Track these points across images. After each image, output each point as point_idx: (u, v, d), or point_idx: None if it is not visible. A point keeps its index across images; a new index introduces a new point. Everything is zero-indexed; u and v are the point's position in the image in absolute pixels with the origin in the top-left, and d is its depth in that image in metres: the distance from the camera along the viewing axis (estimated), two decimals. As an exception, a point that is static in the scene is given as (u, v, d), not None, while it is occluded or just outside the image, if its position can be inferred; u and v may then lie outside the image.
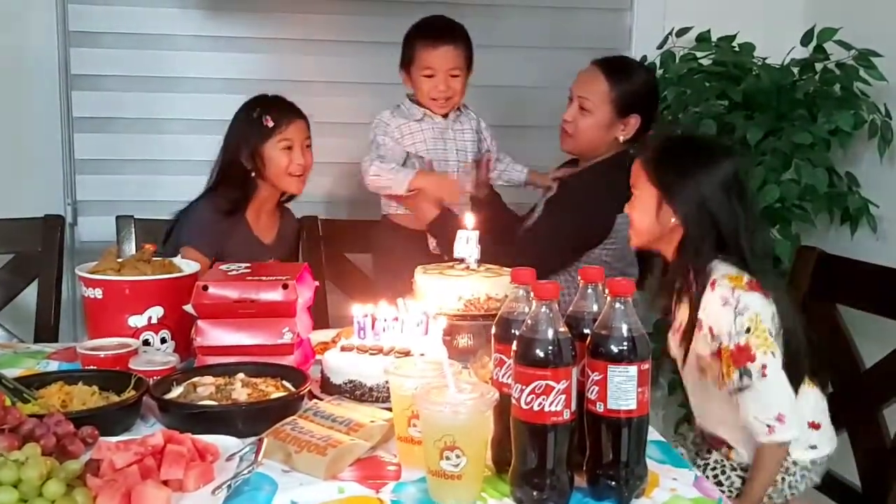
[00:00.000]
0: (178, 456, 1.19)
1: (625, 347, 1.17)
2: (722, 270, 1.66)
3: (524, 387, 1.15)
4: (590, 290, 1.27)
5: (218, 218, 2.23)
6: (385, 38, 2.67)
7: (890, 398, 1.89)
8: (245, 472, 1.20)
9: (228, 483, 1.17)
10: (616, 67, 2.24)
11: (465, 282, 1.71)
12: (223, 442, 1.30)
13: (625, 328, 1.17)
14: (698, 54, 2.73)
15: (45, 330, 2.46)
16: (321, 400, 1.49)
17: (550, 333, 1.15)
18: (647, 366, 1.18)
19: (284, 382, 1.53)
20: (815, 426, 1.72)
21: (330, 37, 2.86)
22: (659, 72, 2.79)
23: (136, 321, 1.75)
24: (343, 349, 1.60)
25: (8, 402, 1.34)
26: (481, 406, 1.18)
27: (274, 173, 2.27)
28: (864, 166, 2.62)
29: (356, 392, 1.52)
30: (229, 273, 1.71)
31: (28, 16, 2.67)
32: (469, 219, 1.85)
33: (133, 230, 2.55)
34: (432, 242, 2.32)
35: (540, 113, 2.98)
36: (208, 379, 1.51)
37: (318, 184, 2.89)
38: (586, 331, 1.21)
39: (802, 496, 1.73)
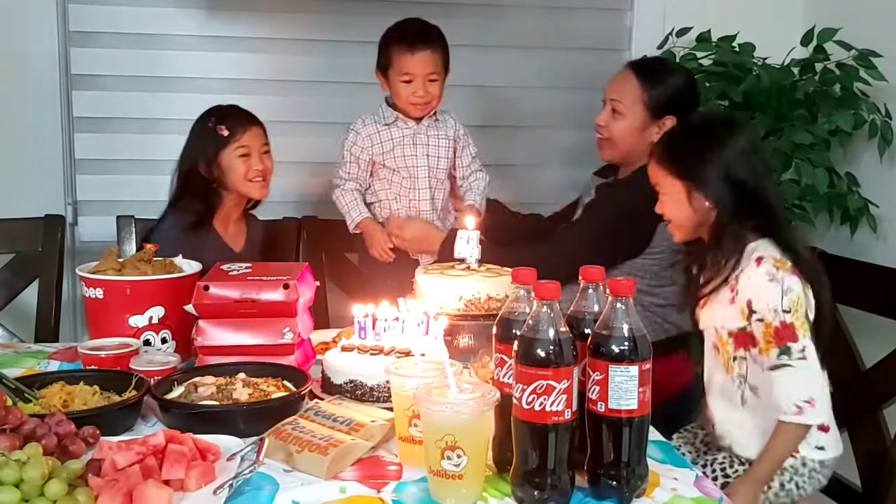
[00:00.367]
0: (180, 456, 1.19)
1: (626, 347, 1.17)
2: (769, 250, 1.66)
3: (525, 387, 1.15)
4: (590, 290, 1.27)
5: (186, 233, 2.23)
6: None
7: (890, 398, 1.89)
8: (246, 471, 1.20)
9: (230, 483, 1.17)
10: (649, 69, 2.21)
11: (466, 281, 1.71)
12: (224, 442, 1.30)
13: (626, 328, 1.17)
14: (698, 54, 2.73)
15: (46, 330, 2.46)
16: (322, 400, 1.49)
17: (551, 333, 1.15)
18: (647, 366, 1.18)
19: (285, 382, 1.53)
20: (824, 428, 1.72)
21: (329, 37, 2.85)
22: (659, 72, 2.79)
23: (136, 321, 1.75)
24: (344, 349, 1.60)
25: (9, 402, 1.34)
26: (482, 406, 1.18)
27: (233, 181, 2.28)
28: (864, 166, 2.62)
29: (357, 392, 1.52)
30: (230, 273, 1.71)
31: (28, 16, 2.67)
32: (469, 220, 1.85)
33: (133, 230, 2.55)
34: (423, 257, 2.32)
35: (539, 113, 2.99)
36: (209, 379, 1.51)
37: (318, 184, 2.90)
38: (587, 331, 1.21)
39: (808, 498, 1.73)
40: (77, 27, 2.73)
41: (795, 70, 2.62)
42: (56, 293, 2.49)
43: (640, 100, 2.16)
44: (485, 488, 1.23)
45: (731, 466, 1.73)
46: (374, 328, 1.61)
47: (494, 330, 1.27)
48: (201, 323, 1.63)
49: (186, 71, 2.80)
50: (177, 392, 1.48)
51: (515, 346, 1.17)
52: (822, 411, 1.64)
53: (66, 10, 2.71)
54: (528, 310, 1.22)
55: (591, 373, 1.19)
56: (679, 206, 1.74)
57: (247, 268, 1.75)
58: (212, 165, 2.26)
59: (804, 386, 1.62)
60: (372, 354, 1.56)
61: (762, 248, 1.67)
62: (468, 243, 1.78)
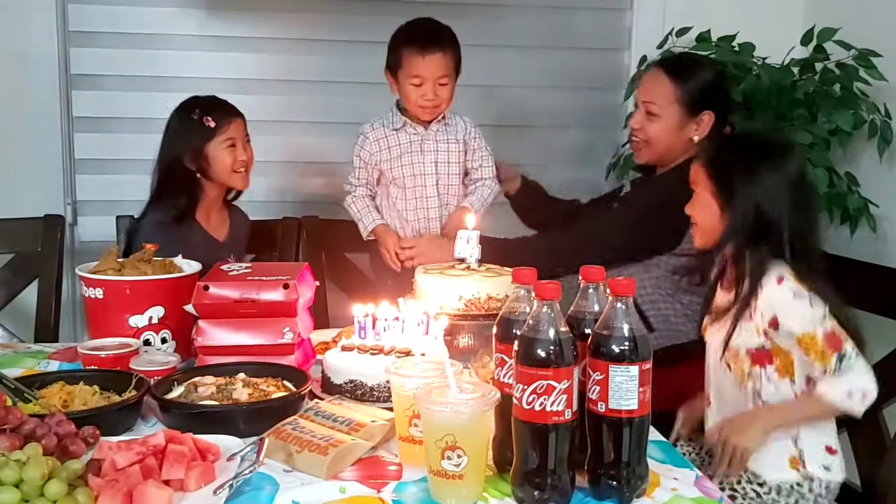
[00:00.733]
0: (180, 456, 1.19)
1: (626, 347, 1.17)
2: (786, 271, 1.65)
3: (525, 387, 1.15)
4: (591, 290, 1.27)
5: (169, 226, 2.22)
6: (386, 38, 2.67)
7: (890, 398, 1.88)
8: (246, 471, 1.20)
9: (230, 483, 1.17)
10: (679, 65, 2.17)
11: (466, 281, 1.71)
12: (224, 442, 1.30)
13: (626, 328, 1.17)
14: (698, 54, 2.73)
15: (46, 330, 2.46)
16: (322, 400, 1.49)
17: (552, 333, 1.15)
18: (648, 366, 1.18)
19: (285, 382, 1.53)
20: (831, 451, 1.72)
21: (330, 36, 2.86)
22: (659, 71, 2.80)
23: (136, 321, 1.75)
24: (344, 349, 1.60)
25: (9, 402, 1.34)
26: (482, 406, 1.18)
27: (218, 172, 2.28)
28: (863, 166, 2.62)
29: (357, 392, 1.52)
30: (230, 273, 1.71)
31: (28, 16, 2.67)
32: (469, 219, 1.85)
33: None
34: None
35: (540, 113, 2.99)
36: (209, 379, 1.51)
37: (318, 183, 2.90)
38: (588, 331, 1.21)
39: None
40: (77, 27, 2.73)
41: (795, 70, 2.62)
42: (56, 293, 2.49)
43: (674, 99, 2.11)
44: (485, 488, 1.23)
45: (739, 483, 1.73)
46: (374, 328, 1.61)
47: (494, 330, 1.27)
48: (201, 323, 1.63)
49: (186, 71, 2.80)
50: (177, 392, 1.48)
51: (516, 346, 1.17)
52: (865, 406, 1.63)
53: (65, 9, 2.71)
54: (528, 310, 1.22)
55: (591, 373, 1.19)
56: (709, 212, 1.72)
57: (246, 268, 1.75)
58: (198, 157, 2.26)
59: (864, 378, 1.61)
60: (372, 354, 1.56)
61: (780, 268, 1.65)
62: (468, 243, 1.78)
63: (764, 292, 1.65)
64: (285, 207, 2.79)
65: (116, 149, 2.80)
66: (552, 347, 1.15)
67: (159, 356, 1.66)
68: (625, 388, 1.17)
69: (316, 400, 1.49)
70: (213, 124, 2.26)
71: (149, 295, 1.76)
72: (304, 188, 2.92)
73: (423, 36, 2.22)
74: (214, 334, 1.63)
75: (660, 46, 2.80)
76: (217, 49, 2.81)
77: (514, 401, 1.17)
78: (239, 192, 2.42)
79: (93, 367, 1.62)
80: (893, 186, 2.53)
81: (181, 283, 1.78)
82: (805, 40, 2.60)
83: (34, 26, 2.67)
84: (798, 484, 1.70)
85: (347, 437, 1.31)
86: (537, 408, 1.15)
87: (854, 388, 1.62)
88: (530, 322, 1.17)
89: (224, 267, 1.76)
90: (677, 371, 1.88)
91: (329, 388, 1.56)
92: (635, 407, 1.17)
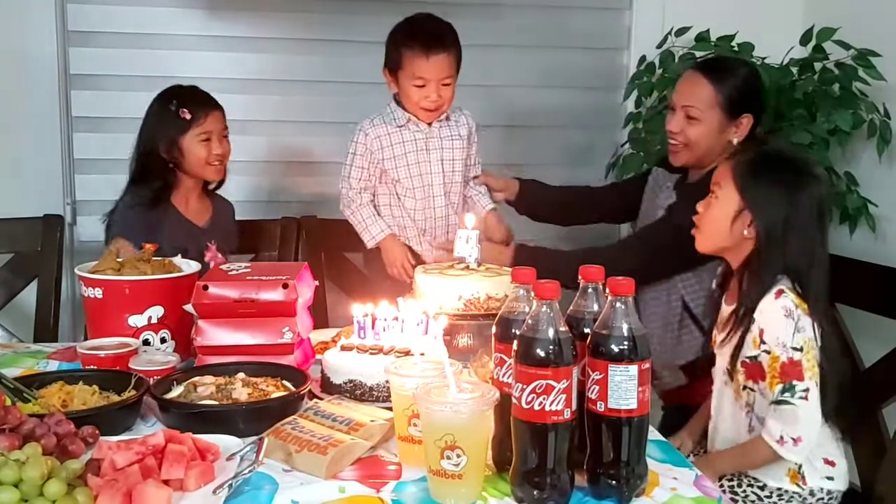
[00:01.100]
0: (179, 455, 1.19)
1: (625, 347, 1.17)
2: (789, 287, 1.64)
3: (525, 386, 1.15)
4: (590, 290, 1.27)
5: (144, 210, 2.24)
6: (385, 38, 2.67)
7: (889, 397, 1.89)
8: (246, 471, 1.20)
9: (229, 482, 1.17)
10: (717, 68, 2.14)
11: (466, 281, 1.71)
12: (224, 441, 1.30)
13: (625, 328, 1.17)
14: (697, 54, 2.73)
15: (45, 330, 2.47)
16: (321, 399, 1.49)
17: (551, 333, 1.15)
18: (647, 365, 1.18)
19: (284, 382, 1.53)
20: (830, 462, 1.72)
21: (329, 36, 2.85)
22: (658, 71, 2.80)
23: (136, 321, 1.75)
24: (343, 349, 1.60)
25: (8, 402, 1.34)
26: (482, 405, 1.18)
27: (193, 164, 2.29)
28: (862, 166, 2.62)
29: (356, 391, 1.52)
30: (229, 273, 1.71)
31: (27, 16, 2.67)
32: (469, 219, 1.85)
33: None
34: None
35: (538, 113, 2.99)
36: (208, 378, 1.51)
37: (318, 183, 2.90)
38: (587, 330, 1.21)
39: None
40: (76, 27, 2.73)
41: (794, 70, 2.62)
42: (55, 293, 2.49)
43: (715, 102, 2.09)
44: (484, 488, 1.23)
45: (741, 486, 1.73)
46: (373, 328, 1.61)
47: (494, 329, 1.27)
48: (200, 322, 1.63)
49: (186, 71, 2.79)
50: (176, 392, 1.48)
51: (515, 346, 1.17)
52: (803, 452, 1.64)
53: (64, 9, 2.71)
54: (527, 309, 1.22)
55: (590, 372, 1.19)
56: (721, 218, 1.70)
57: (246, 267, 1.75)
58: (172, 148, 2.26)
59: (796, 425, 1.61)
60: (371, 354, 1.56)
61: (783, 283, 1.65)
62: (467, 243, 1.78)
63: (763, 302, 1.64)
64: (285, 207, 2.79)
65: (116, 149, 2.78)
66: (551, 347, 1.15)
67: (158, 356, 1.66)
68: (624, 388, 1.17)
69: (315, 400, 1.49)
70: (188, 117, 2.26)
71: (148, 295, 1.76)
72: (303, 188, 2.92)
73: (427, 36, 2.15)
74: (214, 334, 1.63)
75: (659, 46, 2.80)
76: (216, 49, 2.81)
77: (514, 400, 1.17)
78: (221, 182, 2.42)
79: (92, 366, 1.62)
80: (892, 186, 2.54)
81: (180, 282, 1.78)
82: (804, 40, 2.61)
83: (33, 26, 2.67)
84: (798, 496, 1.70)
85: (347, 437, 1.31)
86: (536, 407, 1.15)
87: (787, 434, 1.61)
88: (529, 322, 1.17)
89: (223, 267, 1.76)
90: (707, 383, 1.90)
91: (328, 387, 1.56)
92: (634, 406, 1.17)
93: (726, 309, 1.76)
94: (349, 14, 2.84)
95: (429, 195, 2.25)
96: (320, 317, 2.36)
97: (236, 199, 2.75)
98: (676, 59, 2.75)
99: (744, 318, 1.67)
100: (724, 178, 1.72)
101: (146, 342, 1.75)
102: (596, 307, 1.25)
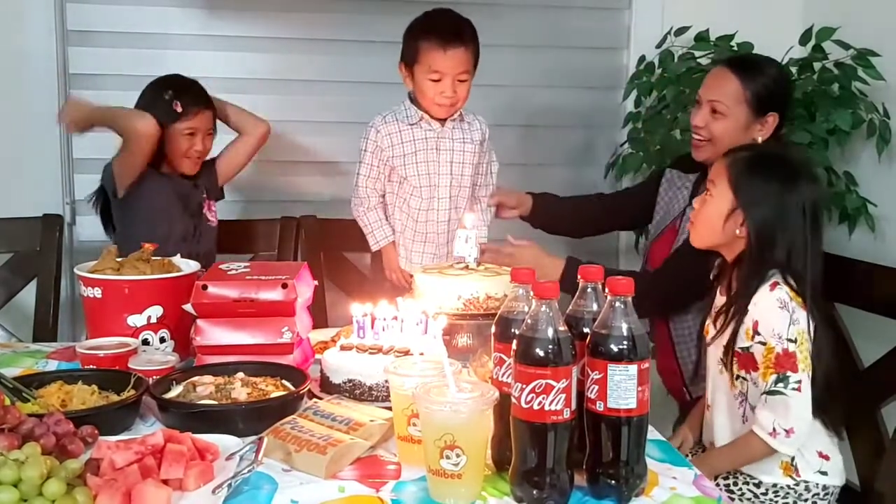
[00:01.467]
0: (178, 455, 1.19)
1: (625, 346, 1.17)
2: (781, 279, 1.65)
3: (524, 386, 1.15)
4: (589, 290, 1.27)
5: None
6: (385, 38, 2.66)
7: (888, 397, 1.89)
8: (245, 471, 1.20)
9: (228, 482, 1.17)
10: (746, 65, 2.11)
11: (465, 281, 1.71)
12: (223, 441, 1.30)
13: (624, 327, 1.17)
14: (697, 53, 2.73)
15: (44, 329, 2.46)
16: (321, 399, 1.49)
17: (550, 332, 1.15)
18: (646, 365, 1.18)
19: (284, 382, 1.53)
20: (824, 456, 1.72)
21: (329, 36, 2.85)
22: (657, 71, 2.80)
23: (135, 320, 1.75)
24: (342, 348, 1.60)
25: (7, 402, 1.34)
26: (481, 405, 1.18)
27: (172, 152, 2.33)
28: (862, 166, 2.62)
29: (356, 391, 1.52)
30: (229, 273, 1.71)
31: (26, 15, 2.66)
32: (469, 218, 1.85)
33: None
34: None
35: (538, 112, 2.99)
36: (208, 378, 1.51)
37: (317, 183, 2.90)
38: (586, 330, 1.21)
39: None
40: (75, 26, 2.73)
41: (794, 69, 2.61)
42: (54, 293, 2.49)
43: (742, 98, 2.05)
44: (484, 487, 1.23)
45: (736, 485, 1.74)
46: (372, 327, 1.61)
47: (493, 329, 1.27)
48: (200, 322, 1.63)
49: (185, 70, 2.76)
50: (175, 391, 1.48)
51: (514, 346, 1.17)
52: (795, 445, 1.64)
53: (63, 8, 2.70)
54: (526, 309, 1.22)
55: (589, 372, 1.19)
56: (715, 215, 1.71)
57: (245, 267, 1.75)
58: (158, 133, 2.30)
59: (788, 416, 1.62)
60: (371, 354, 1.55)
61: (779, 276, 1.66)
62: (467, 243, 1.78)
63: (757, 295, 1.65)
64: (284, 207, 2.79)
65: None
66: (551, 346, 1.15)
67: (158, 355, 1.66)
68: (623, 388, 1.17)
69: (315, 399, 1.49)
70: (180, 109, 2.30)
71: (147, 294, 1.76)
72: (302, 187, 2.91)
73: (445, 29, 2.13)
74: (213, 334, 1.63)
75: (658, 46, 2.80)
76: (216, 48, 2.81)
77: (513, 400, 1.17)
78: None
79: (91, 366, 1.62)
80: (892, 186, 2.54)
81: (180, 282, 1.78)
82: (803, 40, 2.61)
83: (32, 25, 2.67)
84: (794, 484, 1.70)
85: (346, 437, 1.31)
86: (536, 407, 1.15)
87: (779, 425, 1.62)
88: (529, 321, 1.17)
89: (223, 266, 1.76)
90: None
91: (328, 387, 1.56)
92: (634, 406, 1.17)
93: (720, 299, 1.76)
94: (349, 14, 2.84)
95: (434, 196, 2.24)
96: (320, 316, 2.36)
97: (236, 199, 2.76)
98: (676, 59, 2.75)
99: (737, 310, 1.67)
100: (718, 177, 1.73)
101: (145, 342, 1.75)
102: (595, 307, 1.25)
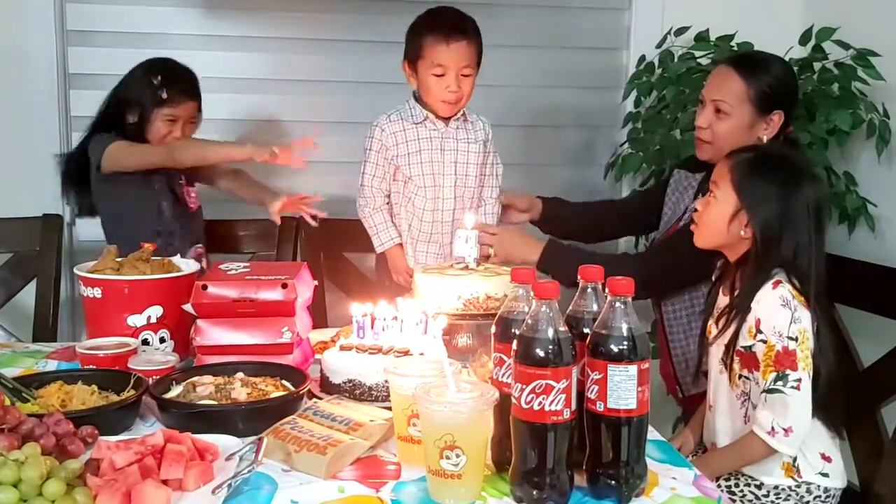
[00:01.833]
0: (178, 455, 1.19)
1: (625, 347, 1.17)
2: (785, 278, 1.65)
3: (524, 386, 1.15)
4: (589, 290, 1.27)
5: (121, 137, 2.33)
6: (384, 38, 2.67)
7: (888, 397, 1.89)
8: (245, 471, 1.20)
9: (228, 482, 1.17)
10: (750, 63, 2.08)
11: (465, 281, 1.71)
12: (223, 441, 1.30)
13: (625, 327, 1.17)
14: (697, 53, 2.73)
15: (44, 329, 2.46)
16: (321, 399, 1.49)
17: (550, 333, 1.15)
18: (646, 365, 1.19)
19: (284, 382, 1.53)
20: (826, 458, 1.72)
21: (328, 36, 2.85)
22: (657, 71, 2.80)
23: (135, 320, 1.75)
24: (342, 348, 1.60)
25: (7, 402, 1.34)
26: (481, 405, 1.18)
27: (151, 134, 2.34)
28: (862, 166, 2.62)
29: (356, 391, 1.52)
30: (228, 273, 1.70)
31: (26, 15, 2.66)
32: (469, 218, 1.85)
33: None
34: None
35: (537, 112, 2.99)
36: (207, 378, 1.51)
37: (317, 183, 2.90)
38: (586, 330, 1.21)
39: None
40: (75, 26, 2.73)
41: (794, 69, 2.61)
42: (54, 293, 2.49)
43: (746, 97, 2.03)
44: (484, 488, 1.23)
45: (738, 486, 1.73)
46: (372, 327, 1.61)
47: (493, 329, 1.27)
48: (200, 322, 1.63)
49: (185, 70, 2.79)
50: (175, 391, 1.48)
51: (514, 346, 1.17)
52: (794, 444, 1.64)
53: (63, 8, 2.70)
54: (526, 309, 1.22)
55: (589, 372, 1.19)
56: (719, 216, 1.71)
57: (245, 267, 1.75)
58: (137, 112, 2.32)
59: (787, 415, 1.62)
60: (370, 354, 1.55)
61: (783, 275, 1.66)
62: (467, 243, 1.78)
63: (759, 294, 1.65)
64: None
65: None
66: (551, 347, 1.15)
67: (158, 355, 1.66)
68: (623, 388, 1.17)
69: (314, 399, 1.49)
70: (164, 96, 2.31)
71: (147, 294, 1.76)
72: (302, 188, 2.91)
73: (448, 23, 2.14)
74: (213, 334, 1.63)
75: (658, 46, 2.80)
76: (216, 48, 2.81)
77: (513, 400, 1.17)
78: None
79: (91, 366, 1.62)
80: (891, 186, 2.54)
81: (179, 282, 1.78)
82: (803, 40, 2.61)
83: (32, 25, 2.67)
84: (796, 486, 1.70)
85: (346, 437, 1.31)
86: (536, 407, 1.15)
87: (778, 424, 1.62)
88: (529, 321, 1.17)
89: (222, 266, 1.76)
90: None
91: (328, 387, 1.56)
92: (634, 406, 1.18)
93: (723, 299, 1.76)
94: (348, 13, 2.84)
95: (439, 196, 2.22)
96: (319, 316, 2.36)
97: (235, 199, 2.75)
98: (676, 59, 2.75)
99: (740, 309, 1.67)
100: (722, 179, 1.73)
101: (145, 342, 1.75)
102: (595, 307, 1.25)
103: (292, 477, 1.27)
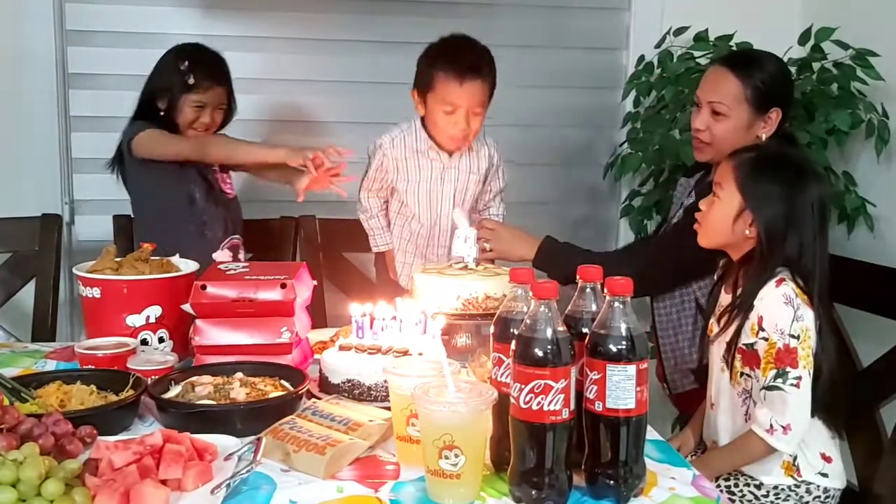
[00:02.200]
0: (177, 455, 1.19)
1: (623, 347, 1.17)
2: (788, 276, 1.65)
3: (523, 386, 1.15)
4: (588, 290, 1.27)
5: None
6: (385, 38, 2.68)
7: (887, 397, 1.89)
8: (244, 471, 1.20)
9: (227, 482, 1.17)
10: (744, 61, 2.06)
11: (464, 281, 1.71)
12: (222, 441, 1.30)
13: (623, 327, 1.17)
14: (696, 53, 2.73)
15: (43, 329, 2.46)
16: (320, 399, 1.49)
17: (549, 333, 1.15)
18: (645, 365, 1.18)
19: (283, 382, 1.53)
20: (826, 458, 1.72)
21: (327, 36, 2.85)
22: (657, 71, 2.80)
23: (134, 320, 1.75)
24: (341, 348, 1.60)
25: (6, 402, 1.34)
26: (480, 405, 1.18)
27: (180, 121, 2.33)
28: (861, 166, 2.62)
29: (355, 391, 1.52)
30: (228, 273, 1.70)
31: (25, 14, 2.66)
32: (458, 216, 1.85)
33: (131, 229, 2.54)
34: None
35: (537, 112, 2.99)
36: (206, 378, 1.51)
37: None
38: (585, 330, 1.21)
39: None
40: (74, 26, 2.73)
41: (793, 69, 2.61)
42: (53, 292, 2.49)
43: (743, 97, 2.01)
44: (482, 488, 1.23)
45: (737, 486, 1.74)
46: (371, 327, 1.61)
47: (492, 329, 1.27)
48: (199, 322, 1.63)
49: (184, 70, 2.79)
50: (174, 391, 1.48)
51: (513, 346, 1.17)
52: (793, 442, 1.64)
53: (62, 8, 2.70)
54: (525, 309, 1.22)
55: (588, 372, 1.19)
56: (723, 217, 1.71)
57: (244, 267, 1.75)
58: (167, 98, 2.32)
59: (786, 412, 1.62)
60: (370, 354, 1.55)
61: (786, 273, 1.66)
62: (465, 242, 1.78)
63: (762, 291, 1.65)
64: (283, 206, 2.78)
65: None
66: (549, 347, 1.15)
67: (156, 355, 1.65)
68: (622, 388, 1.17)
69: (313, 399, 1.49)
70: (192, 81, 2.30)
71: (146, 294, 1.76)
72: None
73: (463, 61, 2.06)
74: (212, 334, 1.63)
75: (657, 46, 2.80)
76: (215, 48, 2.80)
77: (512, 400, 1.17)
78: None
79: (90, 366, 1.62)
80: (891, 186, 2.54)
81: (178, 282, 1.78)
82: (802, 40, 2.61)
83: (32, 25, 2.67)
84: (795, 485, 1.70)
85: (345, 437, 1.31)
86: (535, 407, 1.15)
87: (776, 421, 1.62)
88: (528, 321, 1.17)
89: (222, 266, 1.76)
90: None
91: (327, 387, 1.56)
92: (633, 406, 1.17)
93: (725, 298, 1.76)
94: (347, 13, 2.84)
95: (435, 223, 2.22)
96: (319, 316, 2.36)
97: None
98: (675, 59, 2.75)
99: (742, 307, 1.67)
100: (725, 179, 1.72)
101: (144, 342, 1.75)
102: (594, 307, 1.25)
103: (291, 477, 1.26)
